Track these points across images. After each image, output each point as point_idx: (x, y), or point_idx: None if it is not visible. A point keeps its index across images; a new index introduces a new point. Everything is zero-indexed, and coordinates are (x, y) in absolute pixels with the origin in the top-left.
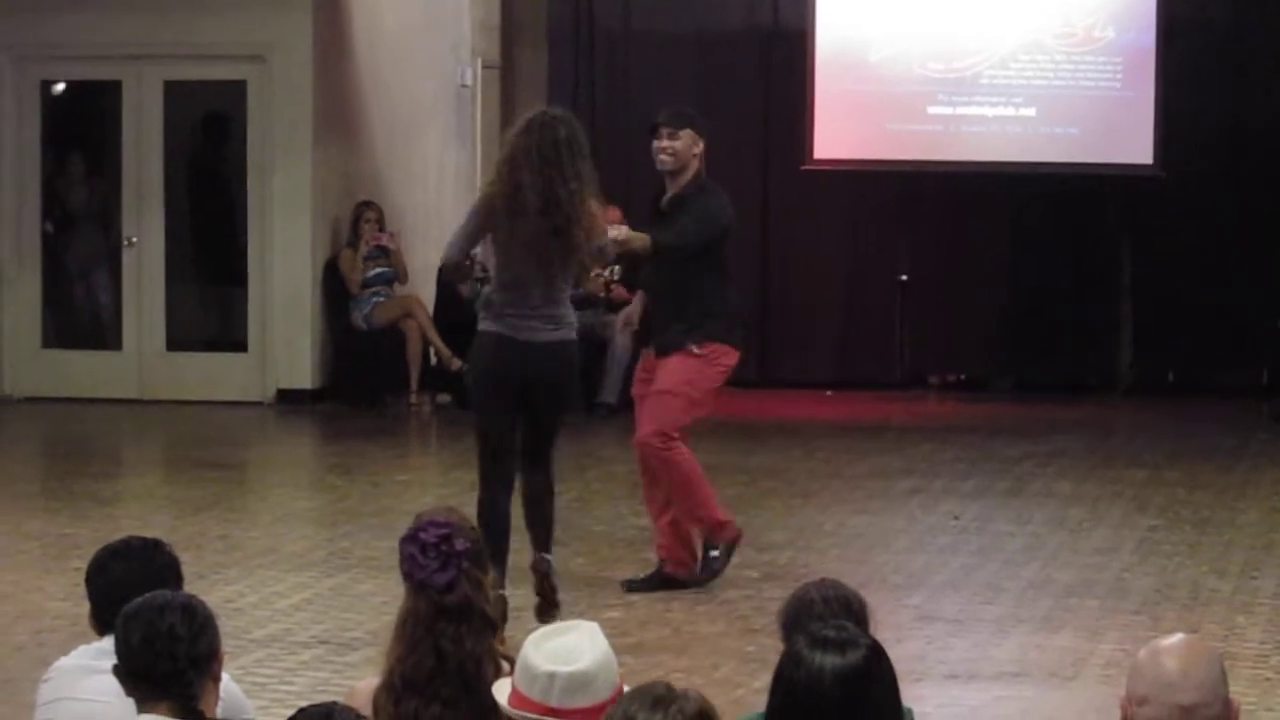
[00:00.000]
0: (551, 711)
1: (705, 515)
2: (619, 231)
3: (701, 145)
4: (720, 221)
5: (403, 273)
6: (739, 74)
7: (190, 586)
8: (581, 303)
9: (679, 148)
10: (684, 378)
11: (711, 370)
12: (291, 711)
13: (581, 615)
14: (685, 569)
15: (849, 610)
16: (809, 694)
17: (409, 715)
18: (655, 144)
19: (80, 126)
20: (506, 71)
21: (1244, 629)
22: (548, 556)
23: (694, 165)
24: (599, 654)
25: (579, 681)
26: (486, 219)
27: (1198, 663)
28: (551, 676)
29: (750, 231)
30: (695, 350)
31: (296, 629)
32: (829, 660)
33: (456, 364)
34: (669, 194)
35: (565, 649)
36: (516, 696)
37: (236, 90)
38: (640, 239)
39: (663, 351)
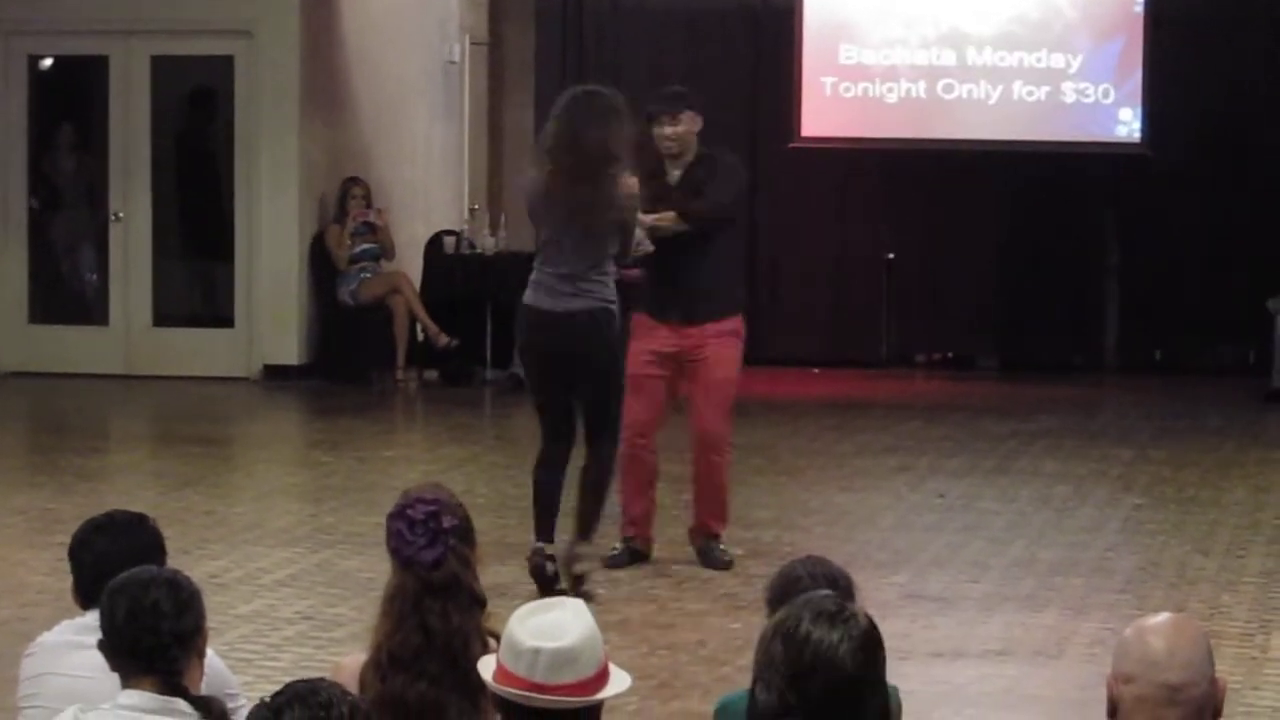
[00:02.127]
0: (536, 687)
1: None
2: (645, 219)
3: (700, 122)
4: (743, 174)
5: (390, 249)
6: (727, 51)
7: (175, 562)
8: None
9: (682, 131)
10: (736, 361)
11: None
12: (276, 687)
13: (566, 592)
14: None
15: (835, 588)
16: (826, 668)
17: (395, 692)
18: (657, 130)
19: (67, 101)
20: (494, 48)
21: (1230, 608)
22: (577, 541)
23: (695, 144)
24: (584, 630)
25: (564, 658)
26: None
27: (1184, 642)
28: (536, 652)
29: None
30: (738, 327)
31: (281, 605)
32: (835, 634)
33: (444, 340)
34: (676, 172)
35: (550, 625)
36: (501, 672)
37: (224, 65)
38: (668, 219)
39: (694, 320)
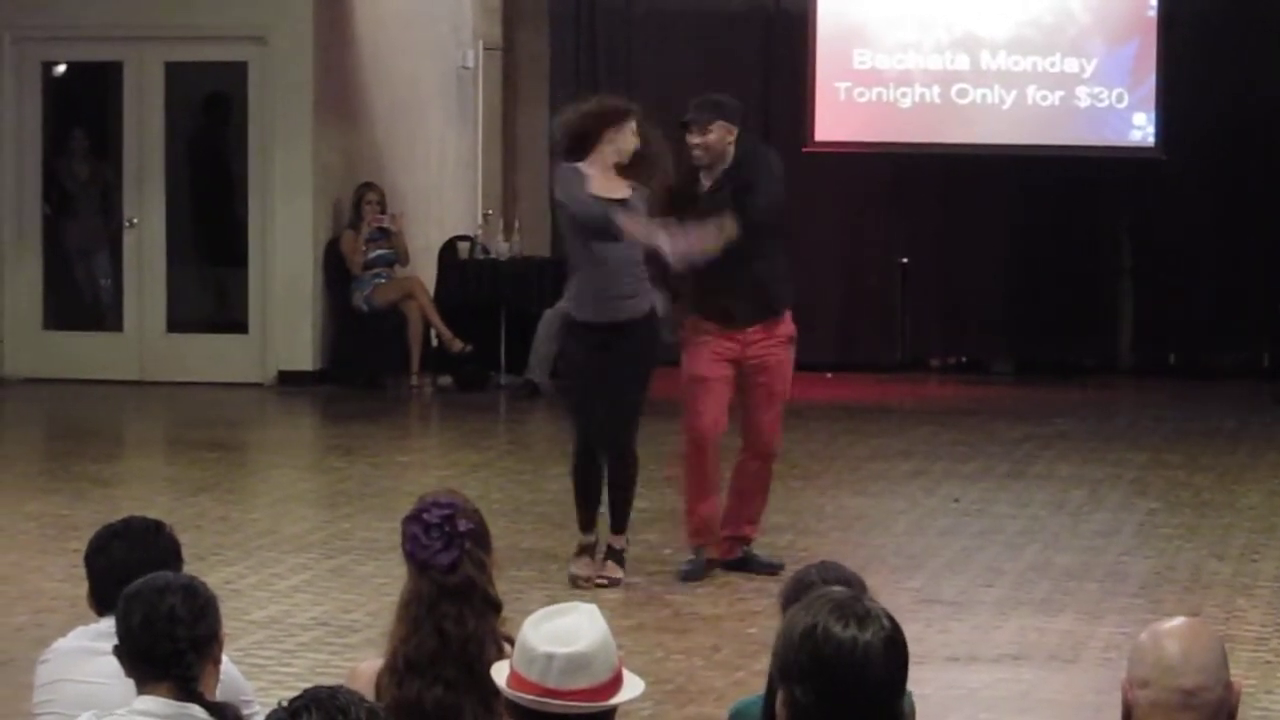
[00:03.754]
0: (549, 693)
1: None
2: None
3: (735, 131)
4: (781, 166)
5: (404, 254)
6: (740, 55)
7: (190, 568)
8: None
9: (711, 141)
10: (790, 373)
11: None
12: (290, 693)
13: (580, 597)
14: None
15: None
16: (852, 668)
17: (411, 697)
18: (688, 139)
19: (81, 108)
20: (508, 53)
21: (1244, 612)
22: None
23: (730, 152)
24: (597, 635)
25: (577, 663)
26: None
27: (1199, 646)
28: (550, 658)
29: None
30: (793, 331)
31: (296, 610)
32: (864, 635)
33: (458, 345)
34: (711, 180)
35: (564, 630)
36: (515, 678)
37: (238, 71)
38: (728, 229)
39: (757, 320)
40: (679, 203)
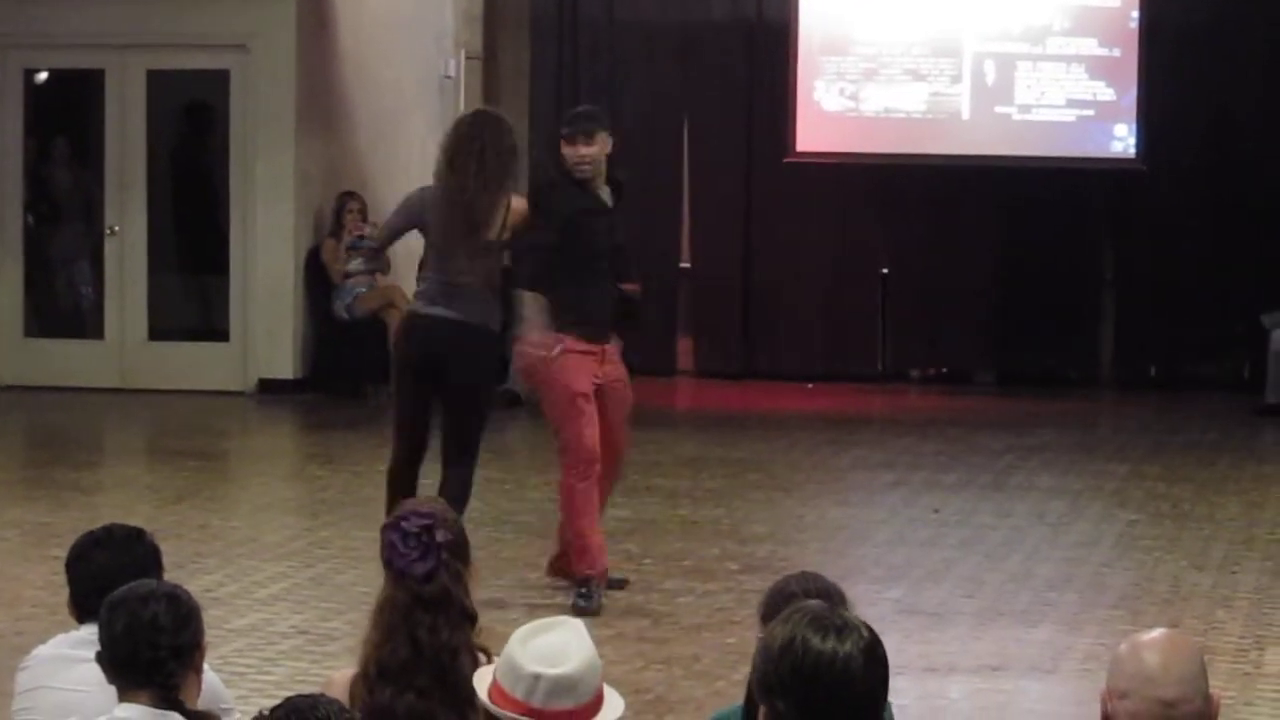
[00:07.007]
0: (533, 713)
1: None
2: None
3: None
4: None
5: (385, 263)
6: (721, 66)
7: (170, 575)
8: None
9: (596, 153)
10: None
11: None
12: (270, 701)
13: (560, 607)
14: None
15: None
16: (834, 682)
17: (384, 703)
18: (570, 150)
19: (63, 115)
20: (489, 62)
21: (1224, 623)
22: None
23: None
24: (585, 656)
25: (565, 685)
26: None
27: (1178, 657)
28: (537, 678)
29: (733, 224)
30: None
31: (276, 619)
32: (844, 647)
33: None
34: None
35: (552, 649)
36: (498, 692)
37: (219, 80)
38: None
39: (607, 340)
40: (577, 216)
